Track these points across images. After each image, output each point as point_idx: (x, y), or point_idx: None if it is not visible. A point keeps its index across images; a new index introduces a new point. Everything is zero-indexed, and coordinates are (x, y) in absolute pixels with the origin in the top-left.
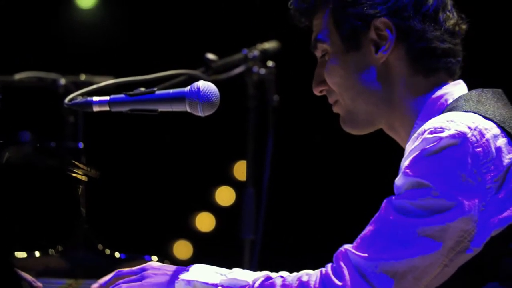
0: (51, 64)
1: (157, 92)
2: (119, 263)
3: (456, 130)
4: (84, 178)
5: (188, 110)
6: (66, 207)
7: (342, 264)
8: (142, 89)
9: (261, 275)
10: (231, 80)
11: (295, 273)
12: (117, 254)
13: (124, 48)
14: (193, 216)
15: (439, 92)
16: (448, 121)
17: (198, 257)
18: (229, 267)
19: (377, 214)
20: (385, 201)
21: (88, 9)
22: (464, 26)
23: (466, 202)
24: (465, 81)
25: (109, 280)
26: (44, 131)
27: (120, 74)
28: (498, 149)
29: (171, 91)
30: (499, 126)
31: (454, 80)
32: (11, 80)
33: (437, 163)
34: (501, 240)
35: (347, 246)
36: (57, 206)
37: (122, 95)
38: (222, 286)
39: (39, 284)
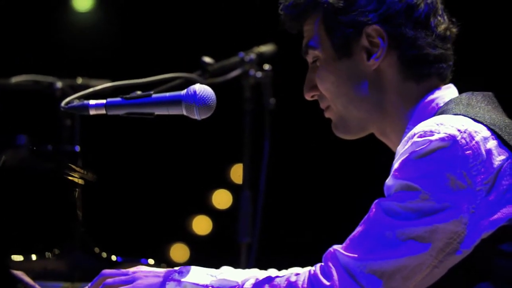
0: (48, 68)
1: (154, 95)
2: (115, 266)
3: (445, 133)
4: (80, 181)
5: (185, 113)
6: (62, 211)
7: (330, 264)
8: (139, 92)
9: (250, 275)
10: (228, 83)
11: (283, 271)
12: (113, 257)
13: (120, 52)
14: (190, 219)
15: (430, 97)
16: (437, 124)
17: (195, 260)
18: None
19: (366, 216)
20: (374, 202)
21: (85, 12)
22: (454, 30)
23: (455, 205)
24: (457, 84)
25: (94, 281)
26: (41, 134)
27: (117, 78)
28: (488, 151)
29: (167, 94)
30: (489, 128)
31: (445, 84)
32: (7, 84)
33: (426, 165)
34: (492, 242)
35: (336, 247)
36: (54, 209)
37: (118, 99)
38: (212, 287)
39: (38, 286)
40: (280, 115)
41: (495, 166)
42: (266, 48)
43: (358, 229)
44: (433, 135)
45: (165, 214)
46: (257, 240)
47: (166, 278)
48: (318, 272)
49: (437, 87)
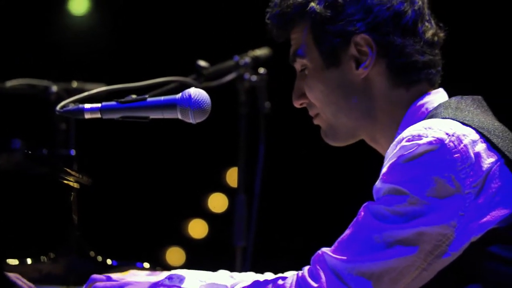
0: (43, 71)
1: (149, 99)
2: (111, 270)
3: (433, 137)
4: (76, 185)
5: (180, 117)
6: (58, 214)
7: (318, 266)
8: (134, 96)
9: (245, 278)
10: (223, 87)
11: (267, 274)
12: (109, 261)
13: (115, 55)
14: (186, 223)
15: (420, 102)
16: (426, 128)
17: (191, 264)
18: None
19: (355, 219)
20: (363, 206)
21: (80, 16)
22: (442, 35)
23: (443, 208)
24: (447, 89)
25: (86, 286)
26: (36, 138)
27: (112, 81)
28: (477, 155)
29: (162, 98)
30: (478, 131)
31: (435, 89)
32: (2, 88)
33: (414, 169)
34: (482, 245)
35: (324, 249)
36: (49, 213)
37: (113, 102)
38: None
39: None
40: (275, 119)
41: (484, 169)
42: (261, 52)
43: (347, 232)
44: (421, 139)
45: (160, 217)
46: (252, 243)
47: (155, 285)
48: (306, 274)
49: (426, 92)
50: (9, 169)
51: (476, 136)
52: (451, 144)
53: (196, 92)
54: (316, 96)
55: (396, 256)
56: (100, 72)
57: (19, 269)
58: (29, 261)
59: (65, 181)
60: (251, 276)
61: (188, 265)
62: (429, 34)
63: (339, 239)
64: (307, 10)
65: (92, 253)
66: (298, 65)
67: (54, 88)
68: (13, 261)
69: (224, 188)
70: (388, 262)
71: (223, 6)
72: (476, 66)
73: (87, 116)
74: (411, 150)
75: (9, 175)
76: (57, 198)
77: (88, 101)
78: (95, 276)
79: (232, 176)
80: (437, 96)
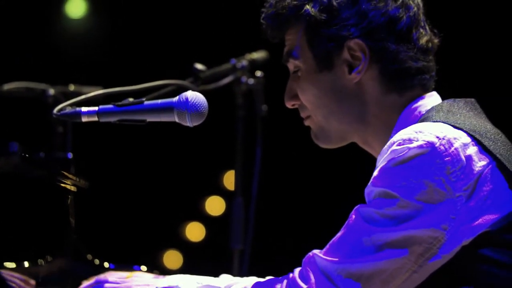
0: (40, 74)
1: (146, 102)
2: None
3: (424, 140)
4: (73, 188)
5: (177, 120)
6: (55, 218)
7: (308, 267)
8: (131, 99)
9: (243, 282)
10: (220, 90)
11: (254, 279)
12: (106, 264)
13: (113, 59)
14: (183, 226)
15: (413, 106)
16: (416, 132)
17: (188, 267)
18: (218, 276)
19: (346, 222)
20: (354, 209)
21: (77, 19)
22: (436, 41)
23: (433, 211)
24: (445, 91)
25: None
26: (33, 141)
27: (109, 85)
28: (468, 158)
29: (159, 101)
30: (469, 134)
31: (428, 92)
32: (0, 91)
33: (404, 173)
34: (474, 247)
35: (315, 251)
36: (46, 216)
37: (110, 106)
38: None
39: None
40: (272, 122)
41: (475, 172)
42: (258, 55)
43: (338, 234)
44: (411, 142)
45: (158, 220)
46: (249, 246)
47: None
48: (296, 275)
49: (420, 96)
50: (6, 172)
51: (467, 139)
52: (442, 147)
53: (193, 95)
54: (308, 99)
55: (385, 258)
56: (97, 76)
57: (16, 272)
58: (26, 264)
59: (62, 184)
60: (252, 280)
61: (185, 268)
62: (423, 40)
63: (331, 241)
64: (302, 12)
65: (89, 256)
66: (291, 65)
67: (51, 91)
68: (10, 264)
69: (221, 191)
70: (378, 264)
71: (220, 9)
72: (472, 67)
73: (84, 119)
74: (402, 154)
75: (7, 178)
76: (54, 201)
77: (85, 104)
78: (99, 278)
79: (229, 179)
80: (431, 100)
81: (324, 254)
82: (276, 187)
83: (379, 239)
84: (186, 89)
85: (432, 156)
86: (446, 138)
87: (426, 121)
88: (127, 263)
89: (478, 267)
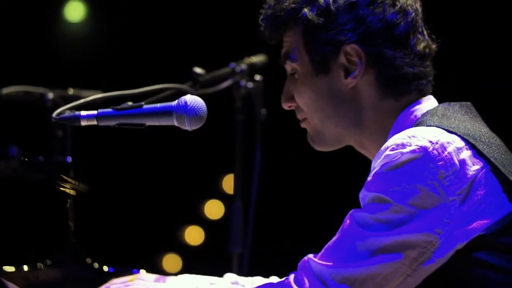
0: (39, 78)
1: (145, 106)
2: (107, 277)
3: (417, 145)
4: (72, 192)
5: (176, 124)
6: (54, 221)
7: (303, 272)
8: (130, 103)
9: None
10: (219, 94)
11: (272, 278)
12: (105, 268)
13: (112, 62)
14: (182, 230)
15: (409, 110)
16: (409, 137)
17: (187, 271)
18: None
19: (341, 226)
20: (349, 213)
21: (76, 23)
22: (434, 47)
23: (427, 216)
24: (443, 94)
25: None
26: (32, 145)
27: (108, 88)
28: (462, 162)
29: (158, 105)
30: (463, 138)
31: (425, 96)
32: None
33: (398, 177)
34: (468, 251)
35: (310, 255)
36: (45, 220)
37: (109, 109)
38: None
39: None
40: (271, 126)
41: (469, 176)
42: (257, 58)
43: (333, 239)
44: (405, 147)
45: (157, 224)
46: (248, 250)
47: None
48: (291, 280)
49: (417, 101)
50: (5, 176)
51: (461, 143)
52: (435, 152)
53: (192, 99)
54: (305, 102)
55: (379, 262)
56: (96, 79)
57: (16, 275)
58: (25, 268)
59: (62, 188)
60: (257, 280)
61: (184, 272)
62: (420, 46)
63: (326, 246)
64: (299, 16)
65: (88, 260)
66: (288, 67)
67: (51, 95)
68: (10, 268)
69: (220, 195)
70: (372, 268)
71: (219, 13)
72: (471, 71)
73: (84, 123)
74: (395, 159)
75: (6, 182)
76: (53, 205)
77: (84, 108)
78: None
79: (228, 183)
80: (427, 104)
81: (319, 259)
82: (275, 191)
83: (373, 243)
84: (185, 93)
85: (425, 160)
86: (439, 142)
87: (421, 125)
88: (127, 267)
89: (472, 271)
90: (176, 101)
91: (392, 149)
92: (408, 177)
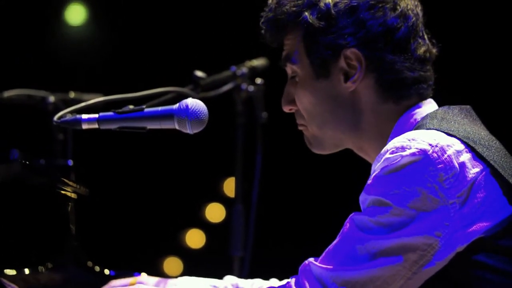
0: (40, 82)
1: (146, 109)
2: (108, 280)
3: (416, 148)
4: (73, 195)
5: (177, 127)
6: (55, 225)
7: (304, 275)
8: (131, 106)
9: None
10: (220, 97)
11: (272, 280)
12: (106, 271)
13: (113, 66)
14: (183, 233)
15: (409, 114)
16: (409, 140)
17: (188, 274)
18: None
19: (341, 230)
20: (349, 217)
21: (77, 26)
22: (434, 51)
23: (427, 218)
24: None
25: None
26: (34, 148)
27: (109, 92)
28: (462, 164)
29: (159, 108)
30: (462, 141)
31: (426, 100)
32: (0, 98)
33: (397, 180)
34: (468, 254)
35: (311, 259)
36: (47, 223)
37: (111, 113)
38: None
39: None
40: (272, 129)
41: (468, 178)
42: (258, 62)
43: (333, 242)
44: (404, 150)
45: (158, 227)
46: (249, 253)
47: None
48: (292, 284)
49: (417, 105)
50: (7, 180)
51: (461, 146)
52: (435, 154)
53: (193, 103)
54: (305, 106)
55: (380, 265)
56: (97, 83)
57: (17, 278)
58: (26, 271)
59: (63, 191)
60: (257, 282)
61: (185, 275)
62: (421, 50)
63: (326, 249)
64: (300, 19)
65: (89, 263)
66: (289, 69)
67: (52, 98)
68: (11, 271)
69: (221, 198)
70: (372, 271)
71: (220, 16)
72: (472, 74)
73: (85, 126)
74: (395, 162)
75: (7, 185)
76: (54, 208)
77: (86, 112)
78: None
79: (229, 186)
80: (427, 107)
81: (319, 262)
82: (276, 194)
83: (373, 246)
84: (186, 97)
85: (425, 163)
86: (439, 145)
87: (420, 129)
88: (128, 270)
89: (472, 274)
90: (177, 104)
91: (392, 152)
92: (408, 180)
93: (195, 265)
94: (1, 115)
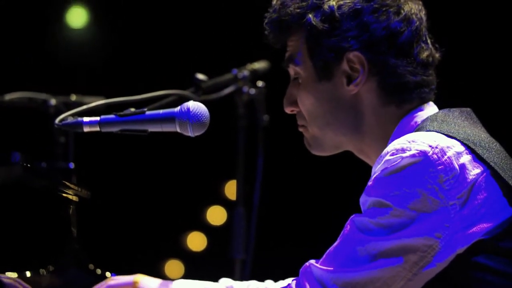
0: (42, 85)
1: (147, 112)
2: None
3: (416, 150)
4: (74, 198)
5: (178, 130)
6: (57, 227)
7: (304, 277)
8: (132, 109)
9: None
10: (221, 100)
11: (268, 282)
12: (108, 274)
13: (114, 69)
14: (185, 236)
15: (410, 116)
16: (409, 142)
17: (190, 277)
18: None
19: (342, 231)
20: (350, 218)
21: (78, 29)
22: (437, 56)
23: (427, 220)
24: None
25: None
26: (35, 151)
27: (111, 95)
28: (462, 166)
29: (161, 111)
30: (463, 143)
31: (427, 103)
32: (1, 101)
33: (398, 182)
34: (468, 255)
35: (312, 261)
36: (48, 226)
37: (112, 116)
38: None
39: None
40: (274, 132)
41: (469, 180)
42: (259, 65)
43: (334, 244)
44: (404, 152)
45: (159, 230)
46: (251, 256)
47: None
48: (293, 286)
49: (418, 108)
50: (8, 182)
51: (461, 148)
52: (435, 156)
53: (195, 105)
54: (307, 108)
55: (380, 267)
56: (98, 86)
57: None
58: (28, 274)
59: (64, 194)
60: (252, 285)
61: (187, 278)
62: (424, 55)
63: (327, 251)
64: (304, 21)
65: (91, 266)
66: (291, 71)
67: (53, 101)
68: (12, 274)
69: (222, 201)
70: (372, 272)
71: (221, 19)
72: (474, 77)
73: (86, 129)
74: (395, 164)
75: (9, 188)
76: (56, 211)
77: (87, 114)
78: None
79: (230, 189)
80: (428, 111)
81: (320, 264)
82: (277, 197)
83: (373, 248)
84: (187, 99)
85: (425, 165)
86: (439, 147)
87: (420, 131)
88: (129, 273)
89: (473, 275)
90: (179, 107)
91: (392, 154)
92: (408, 181)
93: (197, 268)
94: (2, 118)
